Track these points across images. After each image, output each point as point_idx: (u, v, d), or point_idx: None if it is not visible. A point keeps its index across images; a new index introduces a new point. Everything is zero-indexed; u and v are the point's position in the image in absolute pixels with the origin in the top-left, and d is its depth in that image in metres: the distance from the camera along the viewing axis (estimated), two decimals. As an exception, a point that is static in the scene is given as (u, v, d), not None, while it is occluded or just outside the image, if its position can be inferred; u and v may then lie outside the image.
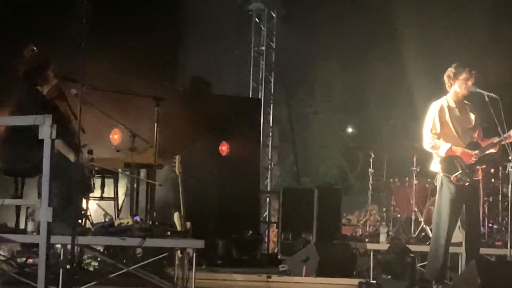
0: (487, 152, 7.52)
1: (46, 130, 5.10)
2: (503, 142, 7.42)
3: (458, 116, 7.52)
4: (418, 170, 10.19)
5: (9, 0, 9.69)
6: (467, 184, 7.32)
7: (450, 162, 7.34)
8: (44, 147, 5.15)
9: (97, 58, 7.03)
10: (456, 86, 7.47)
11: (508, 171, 7.67)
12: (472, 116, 7.58)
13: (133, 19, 10.58)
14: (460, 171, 7.31)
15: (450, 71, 7.50)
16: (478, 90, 7.48)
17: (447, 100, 7.53)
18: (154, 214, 8.70)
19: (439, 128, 7.43)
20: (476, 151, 7.39)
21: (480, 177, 7.48)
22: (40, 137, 5.15)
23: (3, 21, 9.49)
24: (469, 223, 7.44)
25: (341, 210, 11.73)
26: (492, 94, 7.43)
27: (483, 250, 8.53)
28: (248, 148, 12.23)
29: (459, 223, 7.55)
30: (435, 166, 7.51)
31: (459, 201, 7.35)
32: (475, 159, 7.37)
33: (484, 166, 7.61)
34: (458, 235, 8.33)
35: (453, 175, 7.29)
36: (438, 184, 7.46)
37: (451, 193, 7.32)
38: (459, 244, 8.20)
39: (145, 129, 8.51)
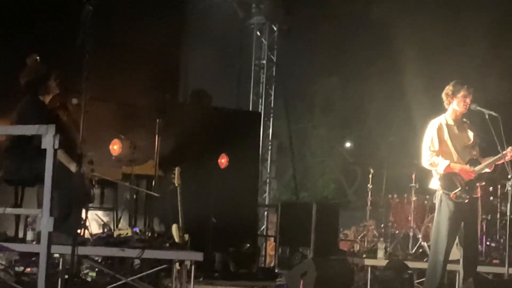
0: (484, 171, 7.53)
1: (49, 140, 5.10)
2: (501, 161, 7.43)
3: (457, 134, 7.53)
4: (417, 186, 10.21)
5: (14, 11, 9.72)
6: (466, 201, 7.32)
7: (449, 179, 7.34)
8: (47, 156, 5.15)
9: (99, 69, 7.05)
10: (455, 104, 7.49)
11: (507, 189, 7.68)
12: (471, 134, 7.59)
13: (136, 32, 10.62)
14: (459, 188, 7.31)
15: (448, 88, 7.51)
16: (478, 108, 7.50)
17: (446, 118, 7.54)
18: (154, 226, 8.70)
19: (438, 146, 7.43)
20: (476, 168, 7.40)
21: (479, 195, 7.49)
22: (42, 147, 5.14)
23: (8, 31, 9.53)
24: (467, 240, 7.43)
25: (339, 225, 11.74)
26: (493, 113, 7.44)
27: (480, 268, 8.53)
28: (247, 161, 12.25)
29: (457, 240, 7.55)
30: (435, 183, 7.51)
31: (458, 218, 7.36)
32: (474, 176, 7.38)
33: (483, 183, 7.61)
34: (456, 253, 8.33)
35: (452, 192, 7.30)
36: (437, 201, 7.45)
37: (450, 211, 7.32)
38: (456, 262, 8.21)
39: (145, 141, 8.52)
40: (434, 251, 7.49)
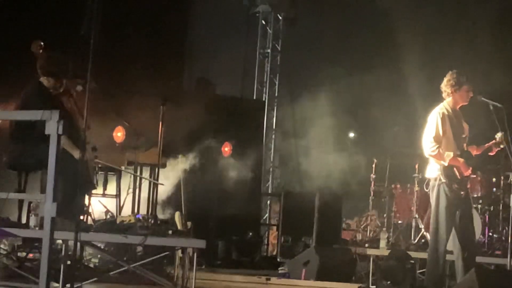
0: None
1: (53, 126, 5.12)
2: (497, 149, 7.47)
3: (456, 124, 7.51)
4: (420, 177, 10.22)
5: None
6: (462, 193, 7.36)
7: (451, 170, 7.35)
8: (50, 142, 5.17)
9: (104, 56, 7.04)
10: (456, 96, 7.46)
11: (510, 180, 7.69)
12: (466, 126, 7.59)
13: (141, 19, 10.61)
14: (459, 180, 7.34)
15: (452, 80, 7.45)
16: (483, 99, 7.48)
17: (446, 108, 7.50)
18: (156, 213, 8.70)
19: (442, 135, 7.42)
20: (471, 167, 7.45)
21: (469, 185, 7.56)
22: (46, 132, 5.17)
23: (12, 16, 9.51)
24: (464, 231, 7.43)
25: (341, 214, 11.75)
26: (497, 104, 7.43)
27: (483, 259, 8.58)
28: (251, 149, 12.25)
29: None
30: (433, 172, 7.50)
31: (454, 207, 7.38)
32: (469, 173, 7.41)
33: (474, 176, 7.68)
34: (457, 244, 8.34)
35: (454, 183, 7.32)
36: (434, 191, 7.43)
37: (448, 200, 7.34)
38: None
39: (149, 128, 8.52)
40: (434, 241, 7.49)
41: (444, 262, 7.49)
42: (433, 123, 7.44)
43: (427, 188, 7.58)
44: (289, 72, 15.53)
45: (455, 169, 7.35)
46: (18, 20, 9.46)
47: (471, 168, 7.40)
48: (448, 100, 7.52)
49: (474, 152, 7.56)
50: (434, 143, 7.35)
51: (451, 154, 7.34)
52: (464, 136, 7.54)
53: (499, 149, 7.54)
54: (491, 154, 7.63)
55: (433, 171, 7.49)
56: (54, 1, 9.78)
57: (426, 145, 7.44)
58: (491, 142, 7.54)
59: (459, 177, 7.34)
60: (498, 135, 7.47)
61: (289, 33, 15.18)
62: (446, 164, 7.35)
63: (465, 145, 7.57)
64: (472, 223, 7.60)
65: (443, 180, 7.36)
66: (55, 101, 6.80)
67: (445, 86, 7.49)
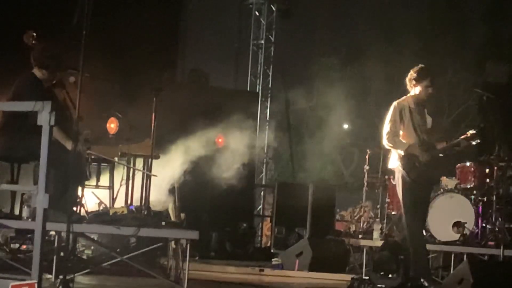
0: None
1: (45, 117, 5.10)
2: (465, 145, 7.52)
3: (417, 117, 7.57)
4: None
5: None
6: (421, 181, 7.40)
7: (408, 160, 7.39)
8: (43, 133, 5.14)
9: (97, 47, 7.02)
10: (417, 90, 7.52)
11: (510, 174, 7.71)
12: (429, 120, 7.65)
13: (134, 10, 10.58)
14: (418, 167, 7.37)
15: (412, 76, 7.54)
16: (477, 90, 7.51)
17: (408, 101, 7.57)
18: (149, 204, 8.69)
19: (400, 127, 7.46)
20: (432, 153, 7.46)
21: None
22: (38, 123, 5.15)
23: (4, 6, 9.48)
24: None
25: (335, 206, 11.75)
26: (490, 95, 7.45)
27: (475, 250, 8.61)
28: (244, 141, 12.23)
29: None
30: (394, 163, 7.55)
31: (416, 194, 7.42)
32: (428, 159, 7.42)
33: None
34: (452, 234, 8.38)
35: (413, 172, 7.36)
36: (399, 181, 7.47)
37: (411, 189, 7.39)
38: (451, 243, 8.24)
39: (143, 119, 8.51)
40: (411, 233, 7.48)
41: (426, 251, 7.56)
42: (391, 115, 7.53)
43: (393, 180, 7.65)
44: (282, 63, 15.53)
45: (413, 158, 7.39)
46: (10, 10, 9.42)
47: (428, 156, 7.43)
48: (411, 93, 7.58)
49: (441, 145, 7.60)
50: (390, 134, 7.42)
51: (407, 144, 7.39)
52: (427, 128, 7.57)
53: (468, 144, 7.57)
54: (457, 148, 7.67)
55: (394, 161, 7.55)
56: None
57: (384, 136, 7.52)
58: (462, 137, 7.59)
59: (417, 166, 7.38)
60: (470, 132, 7.55)
61: (283, 24, 15.17)
62: (402, 153, 7.39)
63: (432, 137, 7.59)
64: (427, 210, 7.66)
65: (402, 169, 7.40)
66: (47, 92, 6.77)
67: (407, 80, 7.57)
